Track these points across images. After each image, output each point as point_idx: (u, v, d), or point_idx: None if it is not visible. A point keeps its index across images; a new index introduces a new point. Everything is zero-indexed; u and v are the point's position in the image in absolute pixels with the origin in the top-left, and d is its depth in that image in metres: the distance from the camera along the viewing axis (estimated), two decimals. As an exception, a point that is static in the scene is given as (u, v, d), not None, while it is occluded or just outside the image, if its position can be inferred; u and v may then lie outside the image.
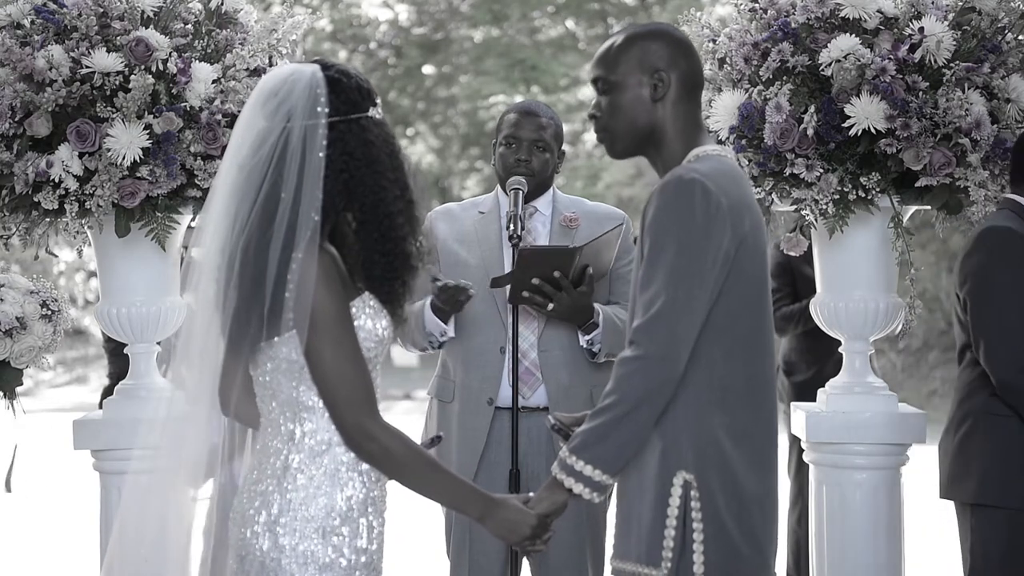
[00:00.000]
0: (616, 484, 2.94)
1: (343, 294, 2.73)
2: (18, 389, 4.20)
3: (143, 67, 3.81)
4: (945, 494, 3.90)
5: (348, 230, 2.76)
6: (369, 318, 2.77)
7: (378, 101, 2.81)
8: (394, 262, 2.77)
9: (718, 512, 2.85)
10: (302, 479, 2.74)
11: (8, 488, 4.19)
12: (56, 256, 4.29)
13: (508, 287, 3.98)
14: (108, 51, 3.82)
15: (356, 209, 2.74)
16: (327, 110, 2.72)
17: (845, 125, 3.86)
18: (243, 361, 2.76)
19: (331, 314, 2.69)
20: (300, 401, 2.74)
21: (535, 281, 3.93)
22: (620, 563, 2.93)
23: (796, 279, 5.96)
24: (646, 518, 2.87)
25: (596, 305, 4.03)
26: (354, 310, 2.75)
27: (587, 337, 4.05)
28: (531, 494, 2.93)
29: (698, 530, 2.84)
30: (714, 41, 4.14)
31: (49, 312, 4.13)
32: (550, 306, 3.96)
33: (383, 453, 2.73)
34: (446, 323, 4.06)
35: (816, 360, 5.97)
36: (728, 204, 2.86)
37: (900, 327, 4.18)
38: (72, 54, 3.82)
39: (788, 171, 3.93)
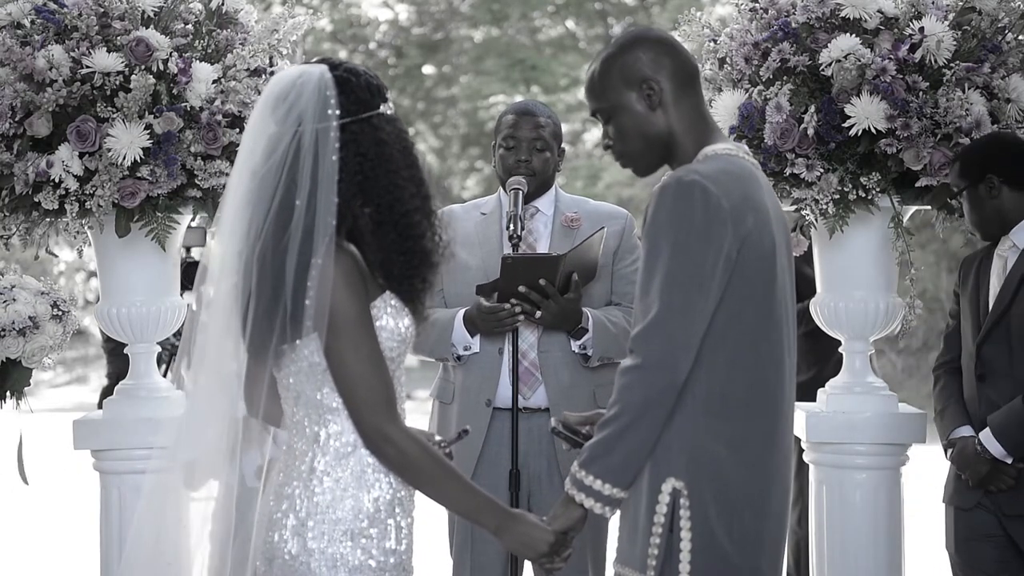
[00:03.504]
0: None
1: (364, 295, 2.71)
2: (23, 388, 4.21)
3: (143, 67, 3.81)
4: None
5: (366, 228, 2.74)
6: (391, 317, 2.75)
7: (389, 96, 2.78)
8: (413, 260, 2.75)
9: (708, 521, 2.80)
10: (328, 482, 2.72)
11: (25, 481, 4.19)
12: (56, 256, 4.30)
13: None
14: (108, 51, 3.82)
15: (372, 209, 2.72)
16: (338, 112, 2.69)
17: (845, 125, 3.86)
18: (266, 363, 2.75)
19: (351, 316, 2.67)
20: (324, 403, 2.73)
21: (522, 289, 3.93)
22: (620, 568, 2.91)
23: (797, 279, 5.95)
24: (639, 524, 2.84)
25: (585, 310, 4.03)
26: (375, 310, 2.73)
27: (578, 342, 4.05)
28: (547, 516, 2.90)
29: (686, 539, 2.79)
30: (714, 41, 4.14)
31: (60, 313, 4.15)
32: (538, 314, 3.96)
33: (400, 457, 2.71)
34: (473, 337, 4.05)
35: (816, 361, 5.97)
36: (730, 205, 2.78)
37: (899, 327, 4.19)
38: (72, 54, 3.82)
39: (788, 171, 3.93)
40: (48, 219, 3.99)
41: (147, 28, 3.88)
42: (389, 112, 2.76)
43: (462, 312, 4.05)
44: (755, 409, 2.85)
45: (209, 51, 3.98)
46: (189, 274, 3.61)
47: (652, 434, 2.79)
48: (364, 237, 2.74)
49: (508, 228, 3.98)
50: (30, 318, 4.05)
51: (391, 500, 2.75)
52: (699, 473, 2.80)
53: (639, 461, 2.81)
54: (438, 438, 3.07)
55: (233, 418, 2.79)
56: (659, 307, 2.76)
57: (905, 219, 4.04)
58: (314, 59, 2.82)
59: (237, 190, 2.72)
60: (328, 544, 2.71)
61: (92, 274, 16.86)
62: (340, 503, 2.72)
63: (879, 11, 3.94)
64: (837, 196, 3.91)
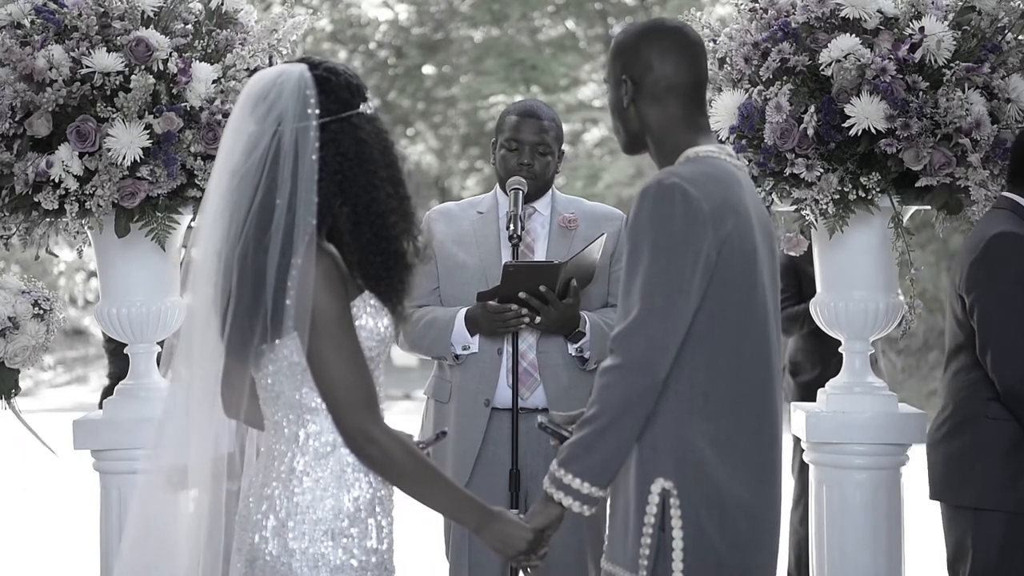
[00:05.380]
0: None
1: (344, 295, 2.71)
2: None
3: (143, 67, 3.81)
4: (939, 496, 3.91)
5: (345, 228, 2.75)
6: (370, 317, 2.76)
7: (369, 96, 2.78)
8: (388, 261, 2.75)
9: (699, 520, 2.82)
10: (308, 481, 2.72)
11: (52, 451, 4.20)
12: (56, 256, 4.29)
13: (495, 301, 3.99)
14: (108, 51, 3.82)
15: (350, 208, 2.73)
16: (317, 111, 2.70)
17: (845, 125, 3.86)
18: (246, 364, 2.76)
19: (332, 317, 2.68)
20: (303, 403, 2.73)
21: (522, 295, 3.94)
22: (609, 566, 2.93)
23: (801, 280, 5.95)
24: (629, 524, 2.86)
25: (583, 313, 4.04)
26: (355, 310, 2.74)
27: (575, 346, 4.05)
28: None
29: (677, 538, 2.81)
30: (714, 41, 4.14)
31: (41, 312, 4.13)
32: (538, 319, 3.96)
33: (383, 457, 2.72)
34: (472, 337, 4.06)
35: (821, 360, 5.98)
36: (710, 208, 2.81)
37: (903, 327, 4.18)
38: (72, 54, 3.82)
39: (788, 171, 3.93)
40: (48, 219, 3.99)
41: (147, 28, 3.88)
42: (369, 111, 2.76)
43: (463, 311, 4.05)
44: (739, 409, 2.87)
45: (209, 51, 3.98)
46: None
47: (632, 434, 2.81)
48: (343, 237, 2.74)
49: (508, 228, 3.99)
50: (9, 318, 4.04)
51: (371, 499, 2.75)
52: (687, 473, 2.82)
53: (619, 460, 2.83)
54: (416, 438, 3.08)
55: (220, 421, 2.80)
56: (640, 308, 2.79)
57: (905, 219, 4.04)
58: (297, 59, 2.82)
59: (217, 189, 2.73)
60: (309, 544, 2.71)
61: (92, 274, 16.87)
62: (320, 503, 2.72)
63: (879, 11, 3.94)
64: (837, 196, 3.91)
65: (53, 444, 4.16)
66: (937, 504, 4.00)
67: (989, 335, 3.79)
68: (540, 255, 4.15)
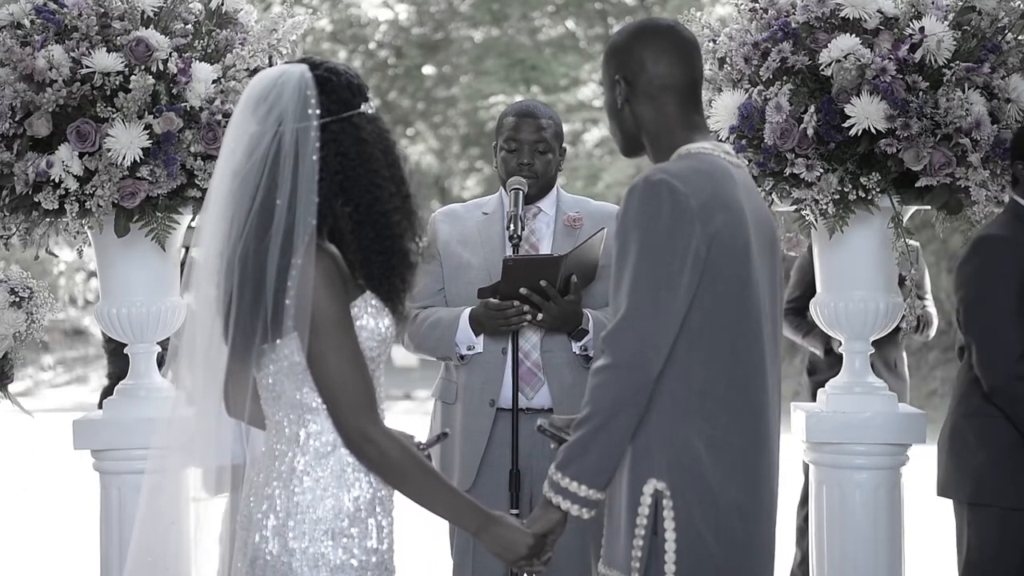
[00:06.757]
0: None
1: (344, 296, 2.72)
2: (18, 388, 4.19)
3: (143, 67, 3.81)
4: (942, 492, 3.99)
5: (346, 228, 2.75)
6: (371, 317, 2.76)
7: (370, 96, 2.78)
8: (391, 260, 2.75)
9: (692, 521, 2.80)
10: (308, 481, 2.73)
11: (29, 413, 4.19)
12: (56, 256, 4.29)
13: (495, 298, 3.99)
14: (108, 51, 3.82)
15: (352, 208, 2.73)
16: (318, 111, 2.70)
17: (845, 125, 3.86)
18: (248, 364, 2.76)
19: (332, 317, 2.68)
20: (304, 403, 2.73)
21: (523, 291, 3.94)
22: (605, 569, 2.91)
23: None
24: (621, 525, 2.85)
25: (586, 311, 4.04)
26: (356, 310, 2.74)
27: (579, 344, 4.05)
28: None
29: (670, 540, 2.79)
30: (714, 41, 4.14)
31: (18, 299, 4.12)
32: (539, 316, 3.96)
33: (382, 458, 2.72)
34: (477, 337, 4.06)
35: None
36: (698, 203, 2.79)
37: (904, 329, 4.19)
38: (72, 54, 3.82)
39: (788, 171, 3.93)
40: (48, 219, 3.99)
41: (147, 28, 3.88)
42: (370, 111, 2.76)
43: (467, 311, 4.05)
44: (735, 407, 2.85)
45: (209, 51, 3.98)
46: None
47: (626, 434, 2.79)
48: (344, 237, 2.74)
49: (508, 228, 3.99)
50: None
51: (371, 499, 2.75)
52: (681, 474, 2.80)
53: (614, 461, 2.81)
54: (416, 439, 3.08)
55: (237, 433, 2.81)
56: (627, 306, 2.78)
57: (905, 219, 4.04)
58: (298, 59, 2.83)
59: (219, 190, 2.73)
60: (309, 544, 2.71)
61: (92, 274, 16.86)
62: (320, 503, 2.72)
63: (879, 11, 3.94)
64: (837, 196, 3.91)
65: (52, 444, 4.16)
66: (939, 504, 4.04)
67: (972, 334, 3.92)
68: (544, 254, 4.15)
